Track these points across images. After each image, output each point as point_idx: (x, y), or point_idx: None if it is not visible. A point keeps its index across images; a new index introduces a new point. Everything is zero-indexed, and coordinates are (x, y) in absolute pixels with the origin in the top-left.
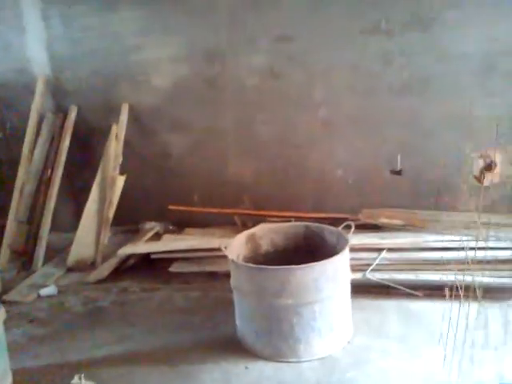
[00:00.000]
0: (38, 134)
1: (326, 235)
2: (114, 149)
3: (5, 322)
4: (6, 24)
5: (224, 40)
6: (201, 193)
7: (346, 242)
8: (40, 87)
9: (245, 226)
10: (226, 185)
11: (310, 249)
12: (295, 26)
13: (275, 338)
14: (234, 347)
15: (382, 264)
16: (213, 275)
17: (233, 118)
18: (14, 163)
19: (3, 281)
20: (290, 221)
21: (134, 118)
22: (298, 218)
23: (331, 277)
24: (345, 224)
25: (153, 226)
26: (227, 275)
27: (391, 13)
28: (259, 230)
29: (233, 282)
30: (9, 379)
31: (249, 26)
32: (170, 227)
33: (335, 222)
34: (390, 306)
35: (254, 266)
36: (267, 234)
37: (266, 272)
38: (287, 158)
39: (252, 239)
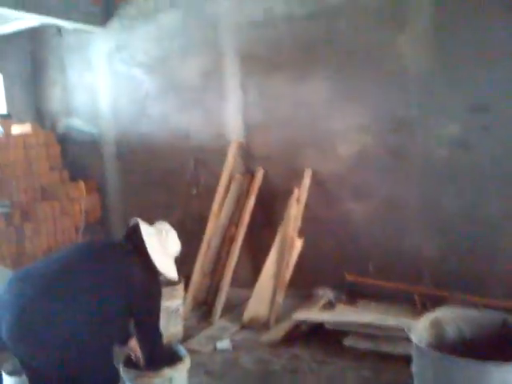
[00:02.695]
0: (226, 192)
1: None
2: (295, 212)
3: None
4: (210, 92)
5: (413, 109)
6: (377, 263)
7: None
8: (233, 150)
9: (423, 306)
10: (404, 257)
11: (508, 346)
12: (492, 95)
13: None
14: None
15: None
16: (387, 355)
17: (417, 189)
18: (203, 218)
19: (184, 328)
20: (476, 306)
21: (317, 183)
22: (486, 305)
23: None
24: None
25: (326, 293)
26: (403, 358)
27: None
28: (444, 314)
29: (414, 368)
30: None
31: (441, 95)
32: (343, 296)
33: None
34: None
35: (445, 355)
36: (454, 320)
37: (458, 364)
38: (476, 235)
39: (436, 324)
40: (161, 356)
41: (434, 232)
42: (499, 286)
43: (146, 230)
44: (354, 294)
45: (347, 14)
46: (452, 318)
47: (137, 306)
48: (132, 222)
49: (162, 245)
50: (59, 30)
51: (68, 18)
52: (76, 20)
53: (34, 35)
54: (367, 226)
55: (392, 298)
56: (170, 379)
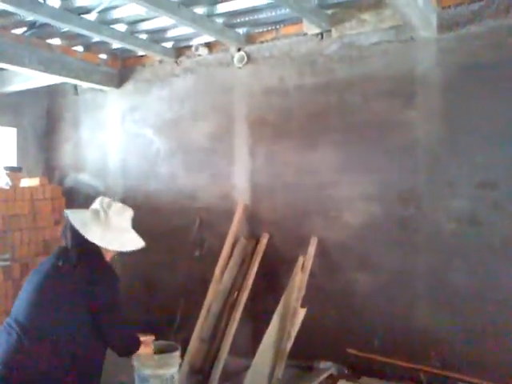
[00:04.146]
0: (230, 256)
1: None
2: (299, 280)
3: None
4: (219, 155)
5: (421, 182)
6: (382, 339)
7: None
8: (239, 213)
9: None
10: (411, 334)
11: None
12: (501, 170)
13: None
14: None
15: None
16: None
17: (425, 264)
18: (205, 281)
19: None
20: None
21: (322, 251)
22: None
23: None
24: None
25: (328, 367)
26: None
27: None
28: None
29: None
30: None
31: (449, 170)
32: (346, 371)
33: None
34: None
35: None
36: None
37: None
38: (487, 315)
39: None
40: (130, 342)
41: (443, 310)
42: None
43: (78, 221)
44: (357, 370)
45: (357, 86)
46: None
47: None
48: (65, 215)
49: (106, 224)
50: (76, 88)
51: (87, 79)
52: (94, 81)
53: (50, 92)
54: (373, 300)
55: (397, 376)
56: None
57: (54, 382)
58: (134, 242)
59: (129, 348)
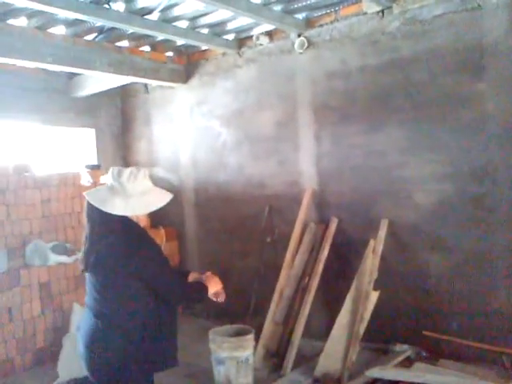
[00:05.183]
0: (300, 241)
1: None
2: (371, 263)
3: None
4: (285, 142)
5: (495, 157)
6: (460, 321)
7: None
8: (307, 199)
9: None
10: (492, 316)
11: None
12: None
13: None
14: None
15: None
16: None
17: (504, 242)
18: (277, 266)
19: (255, 380)
20: None
21: (393, 233)
22: None
23: None
24: None
25: (404, 350)
26: None
27: None
28: None
29: None
30: None
31: None
32: (423, 354)
33: None
34: None
35: None
36: None
37: None
38: None
39: None
40: (187, 291)
41: None
42: None
43: (97, 200)
44: (434, 352)
45: (422, 63)
46: None
47: (135, 272)
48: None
49: (123, 193)
50: (146, 86)
51: (155, 77)
52: (162, 78)
53: (123, 92)
54: (448, 281)
55: (476, 359)
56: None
57: (129, 357)
58: (157, 201)
59: (192, 294)
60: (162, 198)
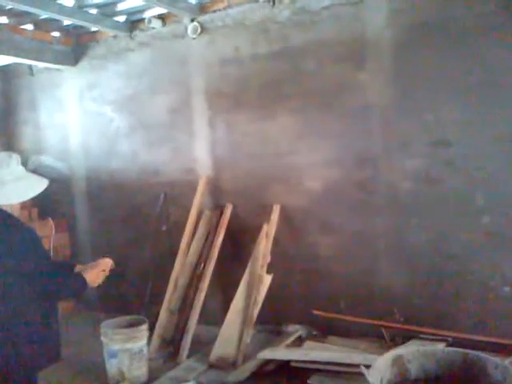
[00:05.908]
0: (195, 228)
1: (489, 369)
2: (264, 247)
3: None
4: (179, 129)
5: (377, 144)
6: (347, 299)
7: None
8: (202, 186)
9: (393, 341)
10: (374, 293)
11: (467, 381)
12: (454, 130)
13: None
14: None
15: None
16: None
17: (384, 223)
18: (173, 254)
19: (149, 369)
20: (444, 340)
21: (285, 217)
22: (453, 338)
23: None
24: None
25: (296, 330)
26: None
27: None
28: (407, 352)
29: None
30: None
31: (403, 131)
32: (314, 332)
33: (499, 348)
34: None
35: None
36: (417, 357)
37: None
38: (443, 270)
39: (399, 362)
40: (62, 286)
41: (403, 266)
42: (466, 319)
43: None
44: (324, 330)
45: (311, 52)
46: (415, 355)
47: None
48: None
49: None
50: (31, 68)
51: (40, 58)
52: (47, 60)
53: (4, 73)
54: (336, 261)
55: (362, 334)
56: None
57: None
58: (33, 188)
59: (68, 288)
60: (37, 186)
